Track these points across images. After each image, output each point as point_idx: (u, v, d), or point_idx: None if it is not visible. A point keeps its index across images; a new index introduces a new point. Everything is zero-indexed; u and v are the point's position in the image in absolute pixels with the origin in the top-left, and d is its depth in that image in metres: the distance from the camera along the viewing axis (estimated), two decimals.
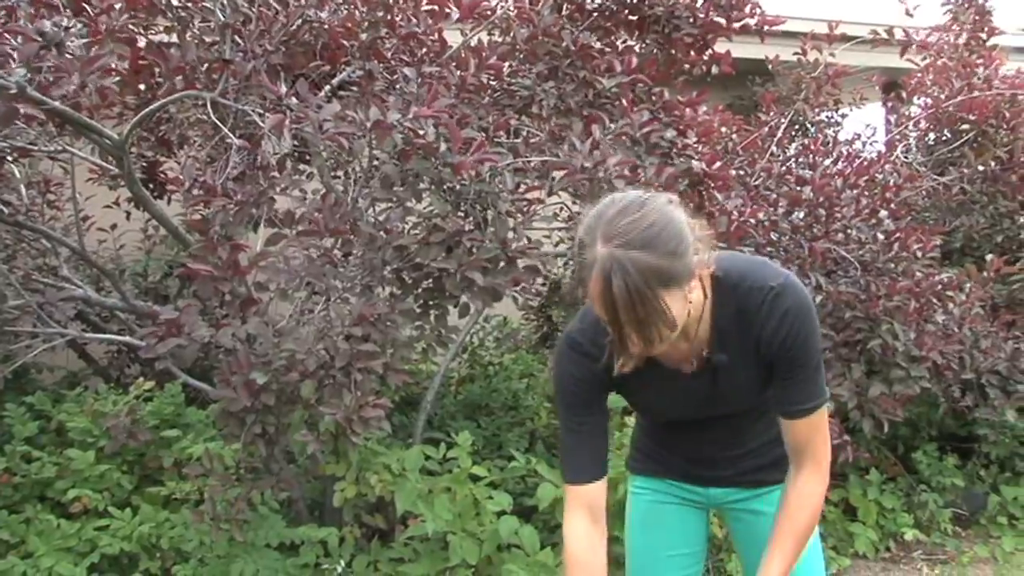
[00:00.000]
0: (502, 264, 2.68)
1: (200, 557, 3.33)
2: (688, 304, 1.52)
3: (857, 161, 4.81)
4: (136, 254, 5.07)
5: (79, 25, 2.82)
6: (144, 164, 4.08)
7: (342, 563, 3.43)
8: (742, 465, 1.92)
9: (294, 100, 2.75)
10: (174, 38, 3.17)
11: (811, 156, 4.88)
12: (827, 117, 5.95)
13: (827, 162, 4.85)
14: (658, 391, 1.83)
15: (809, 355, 1.66)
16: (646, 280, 1.43)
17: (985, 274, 4.55)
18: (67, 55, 2.59)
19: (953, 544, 4.36)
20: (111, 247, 4.84)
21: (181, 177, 3.12)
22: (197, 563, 3.32)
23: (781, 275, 1.66)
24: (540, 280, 5.26)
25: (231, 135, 2.88)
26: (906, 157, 5.47)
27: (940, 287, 4.15)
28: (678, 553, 2.05)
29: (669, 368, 1.72)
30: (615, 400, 1.92)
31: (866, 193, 4.31)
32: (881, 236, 4.15)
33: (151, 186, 4.14)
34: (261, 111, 2.86)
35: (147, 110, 2.98)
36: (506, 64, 3.49)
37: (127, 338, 3.03)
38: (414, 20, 3.29)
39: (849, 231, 4.15)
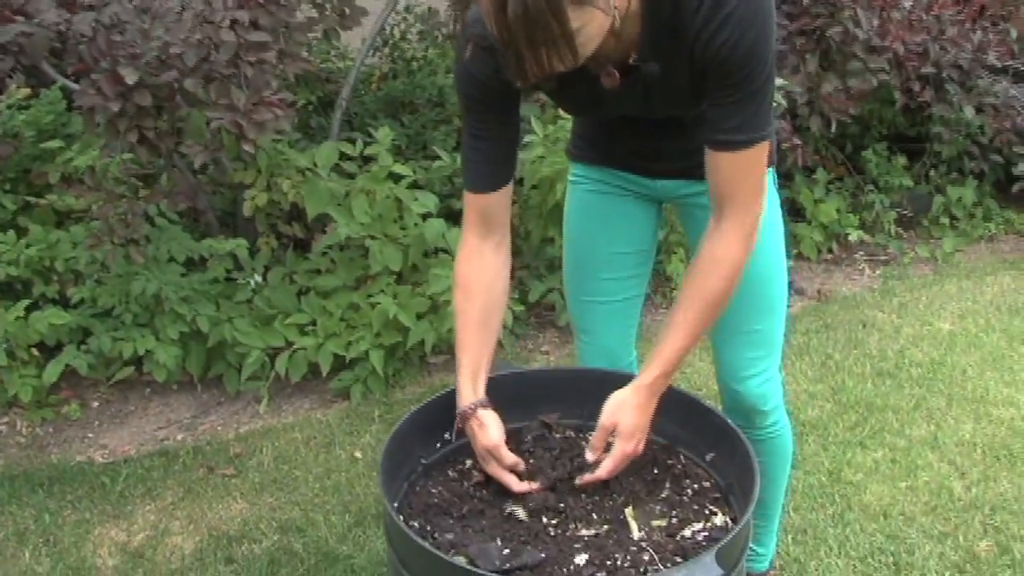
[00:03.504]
0: None
1: (96, 277, 3.05)
2: (611, 15, 1.20)
3: None
4: None
5: None
6: None
7: (257, 276, 3.19)
8: (693, 158, 1.61)
9: None
10: None
11: None
12: None
13: None
14: (580, 99, 1.55)
15: (750, 73, 1.32)
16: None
17: None
18: None
19: (896, 245, 4.27)
20: None
21: None
22: (94, 284, 3.05)
23: None
24: None
25: None
26: None
27: None
28: (622, 251, 1.82)
29: (591, 74, 1.37)
30: None
31: None
32: None
33: None
34: None
35: None
36: None
37: None
38: None
39: None
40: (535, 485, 1.48)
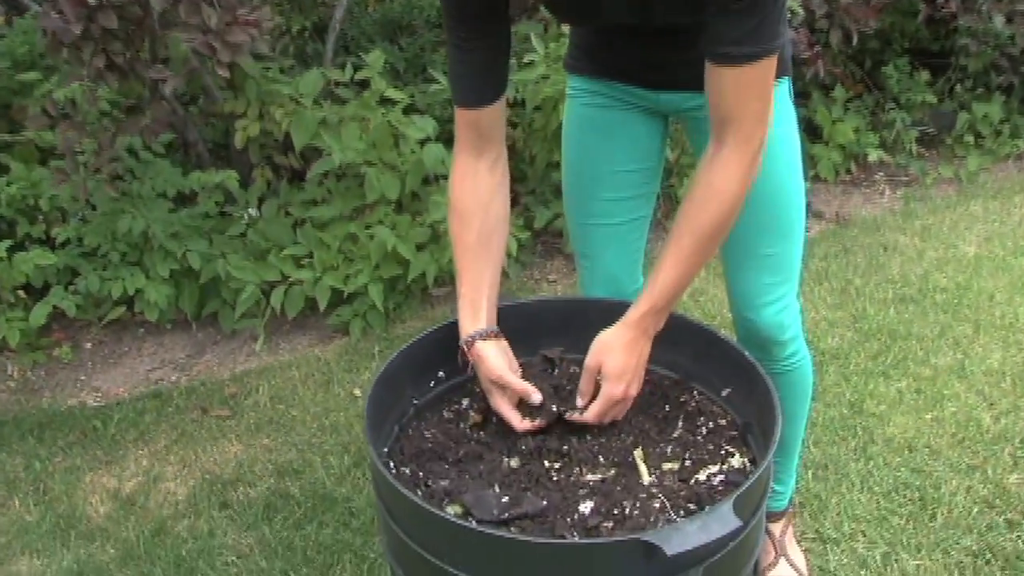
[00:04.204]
0: None
1: (81, 216, 2.93)
2: None
3: None
4: None
5: None
6: None
7: (251, 209, 3.06)
8: (699, 67, 1.46)
9: None
10: None
11: None
12: None
13: None
14: (573, 6, 1.42)
15: None
16: None
17: None
18: None
19: (917, 166, 4.08)
20: None
21: None
22: (79, 223, 2.93)
23: None
24: None
25: None
26: None
27: None
28: (625, 169, 1.66)
29: None
30: None
31: None
32: None
33: None
34: None
35: None
36: None
37: None
38: None
39: None
40: (537, 422, 1.36)
